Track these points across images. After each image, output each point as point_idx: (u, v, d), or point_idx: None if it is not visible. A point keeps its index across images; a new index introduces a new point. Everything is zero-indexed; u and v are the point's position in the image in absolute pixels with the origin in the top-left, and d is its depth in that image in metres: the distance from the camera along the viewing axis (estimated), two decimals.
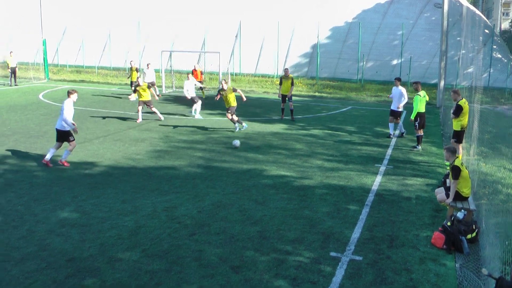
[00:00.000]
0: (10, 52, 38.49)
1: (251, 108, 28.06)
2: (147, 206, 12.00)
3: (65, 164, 15.59)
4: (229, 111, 21.12)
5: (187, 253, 9.49)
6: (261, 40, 44.09)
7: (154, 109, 23.66)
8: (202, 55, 44.70)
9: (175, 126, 22.04)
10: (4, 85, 38.14)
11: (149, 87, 23.81)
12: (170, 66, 39.52)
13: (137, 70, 32.13)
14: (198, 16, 45.87)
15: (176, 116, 24.55)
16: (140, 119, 23.37)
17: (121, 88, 36.77)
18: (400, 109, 20.42)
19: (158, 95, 30.68)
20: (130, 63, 32.60)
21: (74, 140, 15.75)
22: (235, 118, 21.22)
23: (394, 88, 20.61)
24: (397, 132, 20.78)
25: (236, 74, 42.66)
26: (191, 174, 14.80)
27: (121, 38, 48.25)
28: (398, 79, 20.71)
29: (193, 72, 31.43)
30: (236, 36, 44.60)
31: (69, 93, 15.79)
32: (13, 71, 37.46)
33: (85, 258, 9.22)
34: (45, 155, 15.77)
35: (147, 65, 31.73)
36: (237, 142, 18.42)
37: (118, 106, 27.59)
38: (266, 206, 12.19)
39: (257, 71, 43.42)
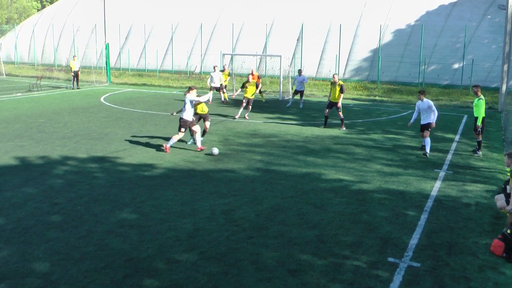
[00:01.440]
0: (74, 57, 39.89)
1: (311, 112, 28.01)
2: (206, 209, 12.08)
3: (167, 149, 17.78)
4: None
5: (244, 256, 9.50)
6: (322, 43, 43.94)
7: (249, 107, 25.36)
8: (263, 58, 44.87)
9: (234, 130, 22.21)
10: (66, 88, 39.27)
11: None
12: (231, 69, 39.79)
13: (229, 74, 32.72)
14: (260, 18, 46.15)
15: (236, 120, 24.71)
16: (240, 115, 25.33)
17: (182, 91, 37.20)
18: (432, 122, 18.35)
19: (223, 101, 31.19)
20: (224, 67, 33.57)
21: (181, 131, 17.99)
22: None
23: (419, 103, 18.52)
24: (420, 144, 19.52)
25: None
26: (249, 177, 14.85)
27: (183, 40, 48.97)
28: (422, 92, 18.57)
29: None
30: (297, 40, 44.58)
31: (190, 89, 18.23)
32: (76, 75, 38.67)
33: (143, 258, 9.32)
34: (103, 156, 16.22)
35: (214, 67, 32.06)
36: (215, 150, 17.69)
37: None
38: (324, 210, 12.13)
39: (318, 75, 43.28)
